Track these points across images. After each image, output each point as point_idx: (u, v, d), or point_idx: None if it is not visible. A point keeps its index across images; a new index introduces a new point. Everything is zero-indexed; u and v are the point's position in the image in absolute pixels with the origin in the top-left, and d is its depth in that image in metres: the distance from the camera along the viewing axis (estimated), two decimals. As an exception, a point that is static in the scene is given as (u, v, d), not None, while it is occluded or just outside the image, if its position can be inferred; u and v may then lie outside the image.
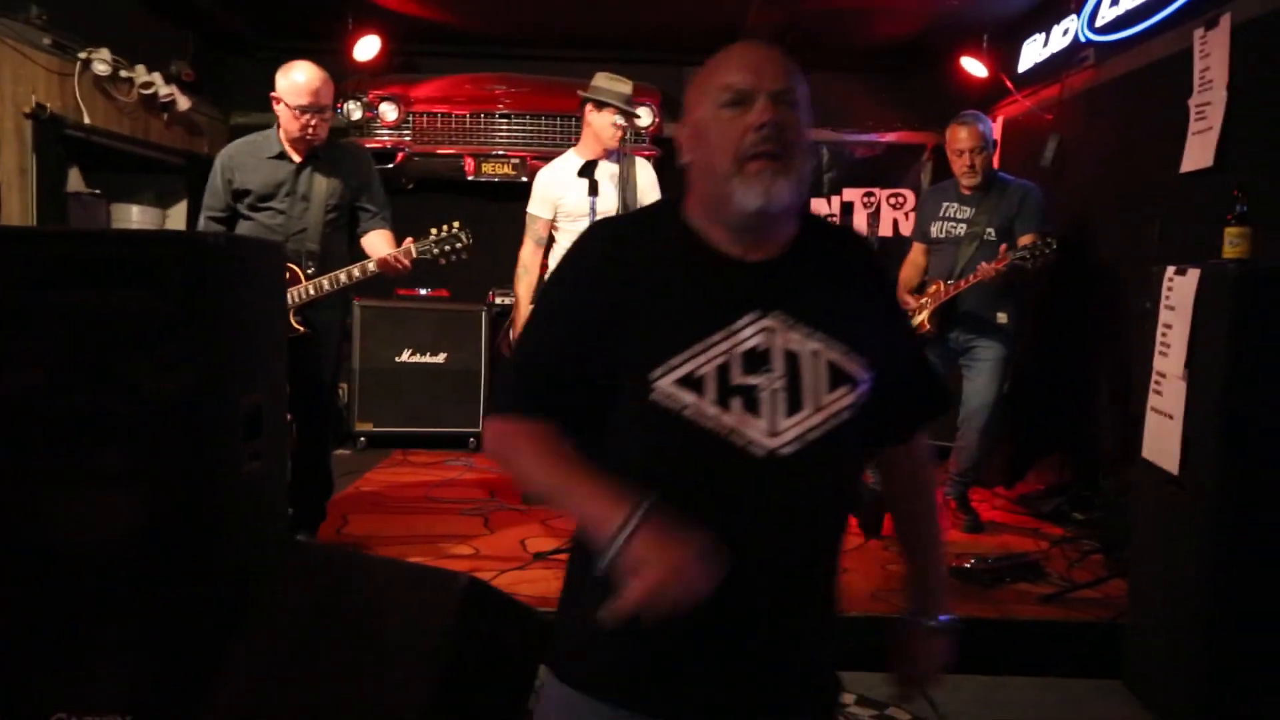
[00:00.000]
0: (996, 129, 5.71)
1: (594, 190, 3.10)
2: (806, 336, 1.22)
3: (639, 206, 3.70)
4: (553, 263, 4.10)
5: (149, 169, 5.66)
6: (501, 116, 6.06)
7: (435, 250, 3.44)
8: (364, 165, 3.57)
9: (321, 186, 3.39)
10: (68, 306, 2.35)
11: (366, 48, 5.77)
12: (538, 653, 2.47)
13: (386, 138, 6.01)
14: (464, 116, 6.05)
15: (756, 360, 1.19)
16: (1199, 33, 3.61)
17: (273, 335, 3.25)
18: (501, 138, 6.08)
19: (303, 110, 3.27)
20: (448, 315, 5.57)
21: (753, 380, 1.18)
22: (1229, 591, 2.44)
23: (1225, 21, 3.47)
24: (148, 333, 2.36)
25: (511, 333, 4.22)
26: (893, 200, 6.30)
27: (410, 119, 6.02)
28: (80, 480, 2.37)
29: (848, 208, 6.53)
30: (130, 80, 4.99)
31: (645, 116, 6.02)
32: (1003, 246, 3.89)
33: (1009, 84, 5.36)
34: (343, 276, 3.38)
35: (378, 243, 3.49)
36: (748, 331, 1.20)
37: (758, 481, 1.17)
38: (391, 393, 5.44)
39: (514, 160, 6.07)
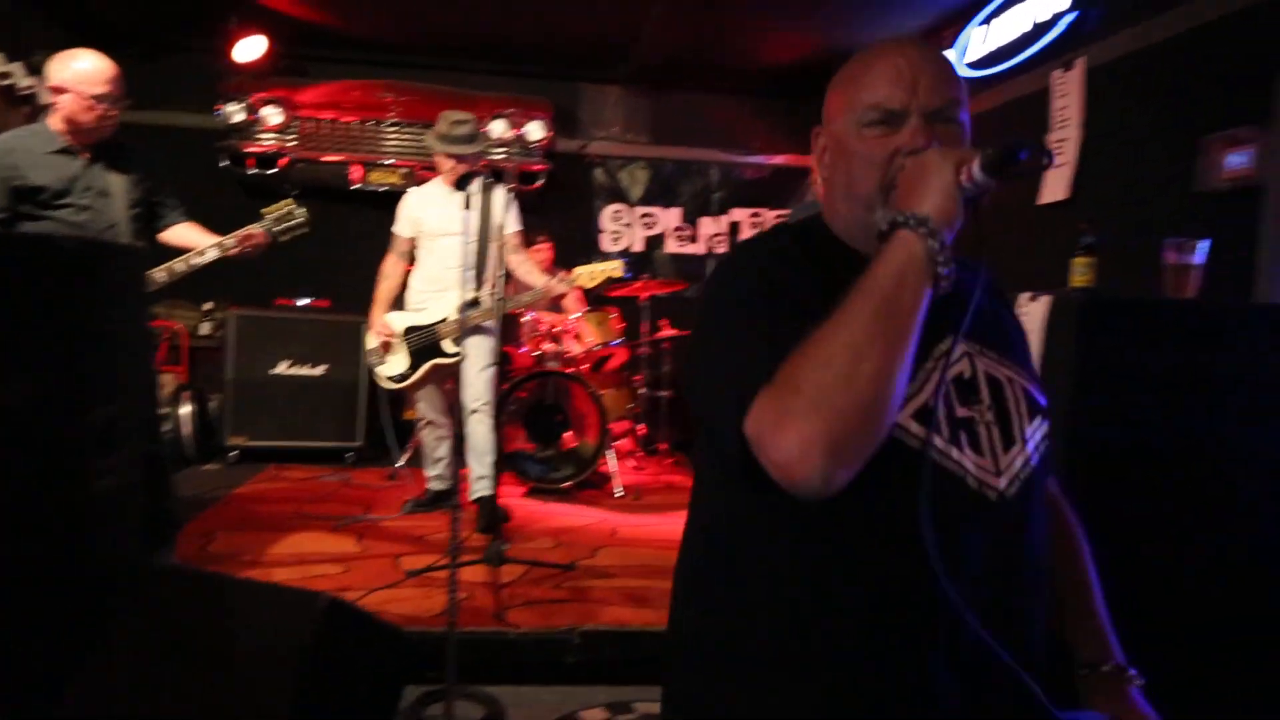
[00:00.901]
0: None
1: (467, 205, 3.16)
2: (997, 363, 1.10)
3: (492, 234, 3.87)
4: (415, 281, 4.24)
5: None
6: (391, 125, 5.96)
7: (275, 229, 3.37)
8: (149, 159, 3.40)
9: (119, 181, 3.20)
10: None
11: (250, 48, 5.60)
12: (402, 673, 2.42)
13: (270, 142, 5.84)
14: (352, 124, 5.93)
15: (966, 389, 1.06)
16: (1057, 74, 3.82)
17: (135, 343, 3.09)
18: (391, 146, 5.98)
19: (99, 99, 3.05)
20: (328, 326, 5.42)
21: (967, 412, 1.04)
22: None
23: (1080, 65, 3.68)
24: (-15, 338, 2.22)
25: (369, 323, 4.28)
26: (780, 221, 6.44)
27: (295, 124, 5.86)
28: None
29: (735, 228, 6.66)
30: (-14, 70, 4.70)
31: (536, 131, 6.02)
32: None
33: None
34: (196, 259, 3.25)
35: (191, 234, 3.37)
36: (953, 355, 1.04)
37: (986, 523, 1.01)
38: (266, 405, 5.25)
39: (403, 170, 5.98)
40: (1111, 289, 2.86)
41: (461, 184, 3.50)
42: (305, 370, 5.32)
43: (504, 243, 4.08)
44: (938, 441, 1.00)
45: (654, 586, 3.39)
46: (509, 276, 4.31)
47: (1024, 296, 2.84)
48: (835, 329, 0.91)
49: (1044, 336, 2.70)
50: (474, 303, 4.09)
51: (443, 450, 4.46)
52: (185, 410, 5.13)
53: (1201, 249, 2.56)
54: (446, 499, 4.50)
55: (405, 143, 5.95)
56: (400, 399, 4.48)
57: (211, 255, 3.28)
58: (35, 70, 5.07)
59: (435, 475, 4.46)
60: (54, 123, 3.12)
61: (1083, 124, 3.68)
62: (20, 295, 2.23)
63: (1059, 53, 3.87)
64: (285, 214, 3.39)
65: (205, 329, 5.63)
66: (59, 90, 3.07)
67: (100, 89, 3.07)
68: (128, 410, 2.93)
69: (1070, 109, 3.74)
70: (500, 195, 4.05)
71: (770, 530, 1.04)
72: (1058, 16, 3.86)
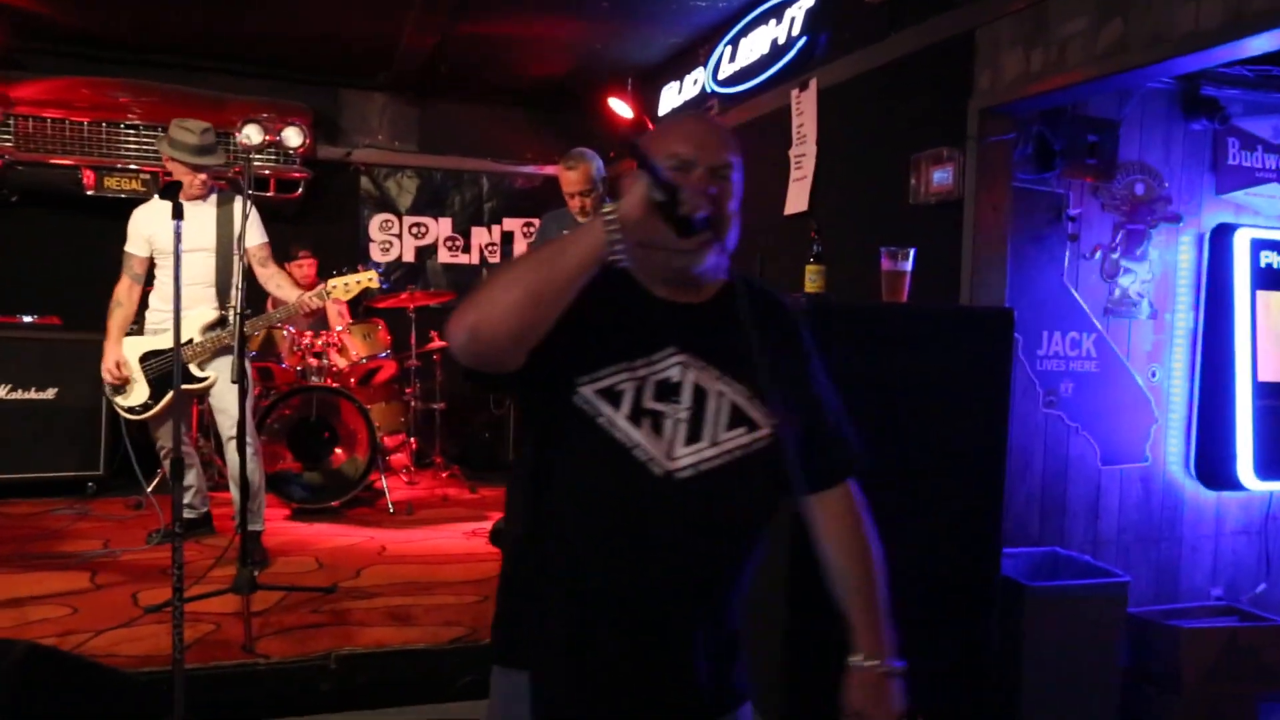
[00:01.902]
0: (635, 167, 6.09)
1: (178, 214, 2.91)
2: (716, 378, 1.34)
3: (239, 242, 3.59)
4: (155, 301, 3.96)
5: None
6: (129, 127, 5.53)
7: None
8: None
9: None
10: None
11: (-51, 38, 5.02)
12: (123, 716, 2.24)
13: (-21, 142, 5.26)
14: (82, 124, 5.45)
15: (668, 390, 1.32)
16: (795, 93, 4.09)
17: None
18: (131, 150, 5.54)
19: None
20: (60, 345, 4.95)
21: (660, 407, 1.31)
22: (802, 598, 2.71)
23: (813, 85, 3.95)
24: None
25: (103, 363, 3.90)
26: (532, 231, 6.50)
27: (11, 122, 5.32)
28: None
29: (508, 237, 6.66)
30: None
31: (294, 137, 5.77)
32: None
33: (651, 126, 5.73)
34: None
35: None
36: (665, 363, 1.32)
37: (654, 497, 1.29)
38: (-16, 435, 4.72)
39: (144, 176, 5.57)
40: (838, 295, 3.08)
41: (166, 193, 3.23)
42: (32, 394, 4.82)
43: (249, 256, 3.86)
44: (618, 419, 1.29)
45: (419, 603, 3.33)
46: (263, 292, 4.10)
47: (760, 302, 3.02)
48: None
49: (778, 340, 2.88)
50: (220, 322, 3.85)
51: (191, 477, 4.17)
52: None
53: (911, 256, 2.81)
54: (199, 528, 4.22)
55: (147, 147, 5.53)
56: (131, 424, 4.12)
57: None
58: None
59: (185, 504, 4.16)
60: None
61: (818, 140, 3.95)
62: None
63: (796, 74, 4.14)
64: None
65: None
66: None
67: None
68: None
69: (807, 126, 4.02)
70: (240, 204, 3.82)
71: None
72: (792, 40, 4.14)
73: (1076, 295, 3.33)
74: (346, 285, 3.88)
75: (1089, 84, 2.85)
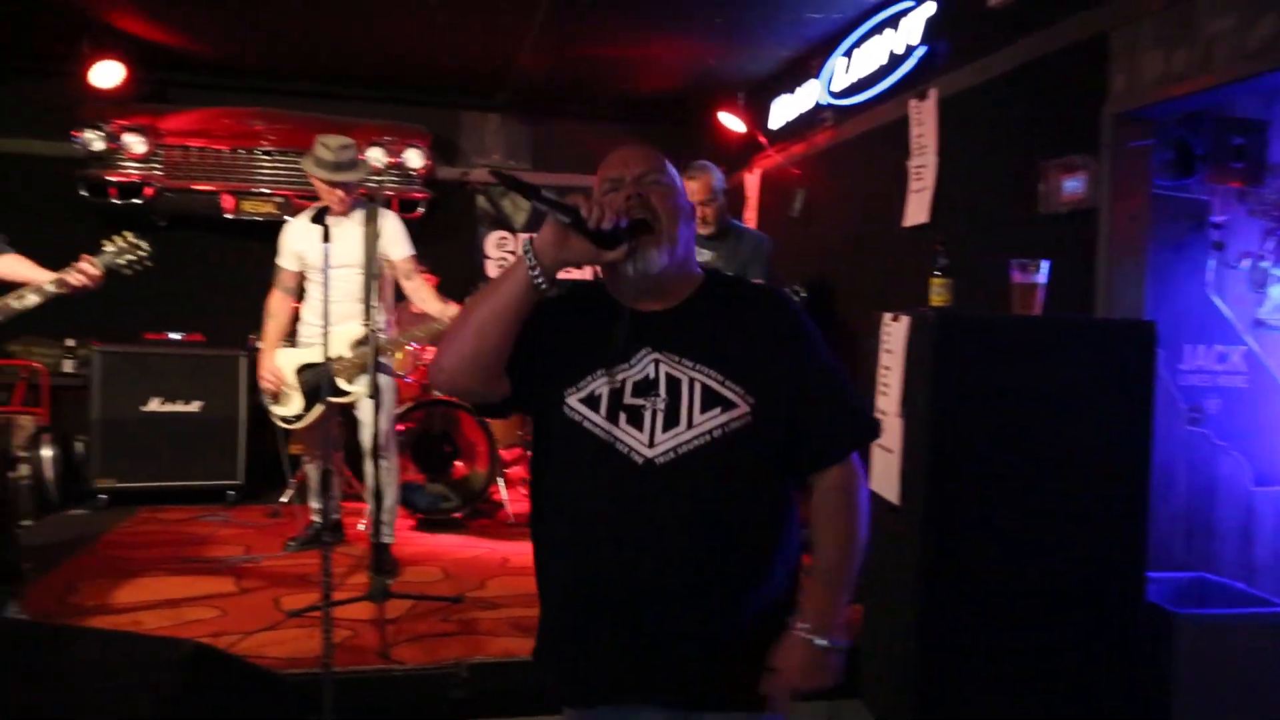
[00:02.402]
0: (755, 181, 6.08)
1: (326, 237, 3.04)
2: (689, 368, 1.45)
3: (380, 256, 3.76)
4: (306, 315, 4.06)
5: None
6: (264, 153, 5.82)
7: (119, 261, 3.23)
8: None
9: None
10: None
11: (106, 74, 5.39)
12: (277, 716, 2.35)
13: (133, 171, 5.63)
14: (223, 152, 5.77)
15: (646, 386, 1.44)
16: (913, 103, 4.02)
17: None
18: (265, 175, 5.84)
19: None
20: (202, 360, 5.24)
21: (639, 401, 1.43)
22: (937, 610, 2.67)
23: (933, 94, 3.88)
24: None
25: (258, 372, 4.05)
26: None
27: (160, 152, 5.67)
28: None
29: (621, 252, 6.74)
30: None
31: (415, 159, 5.98)
32: None
33: (763, 139, 5.72)
34: (14, 303, 3.09)
35: (18, 266, 3.21)
36: (641, 363, 1.45)
37: (638, 483, 1.39)
38: (137, 445, 5.03)
39: (278, 199, 5.85)
40: (966, 308, 3.02)
41: (318, 218, 3.35)
42: (179, 407, 5.12)
43: (395, 269, 3.97)
44: (597, 419, 1.43)
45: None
46: (405, 304, 4.20)
47: (886, 317, 2.98)
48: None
49: (905, 354, 2.84)
50: (367, 339, 3.92)
51: (326, 484, 4.34)
52: (47, 453, 4.87)
53: (1044, 269, 2.74)
54: (330, 534, 4.39)
55: (279, 171, 5.82)
56: (285, 432, 4.31)
57: (33, 300, 3.10)
58: None
59: (318, 509, 4.34)
60: None
61: (939, 150, 3.88)
62: None
63: (914, 83, 4.07)
64: (130, 245, 3.26)
65: (68, 367, 5.37)
66: None
67: None
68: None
69: (927, 136, 3.94)
70: (388, 221, 3.93)
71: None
72: (910, 49, 4.07)
73: (1222, 306, 3.18)
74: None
75: (1237, 84, 2.72)
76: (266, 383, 3.99)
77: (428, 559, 4.17)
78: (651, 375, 1.44)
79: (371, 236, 3.79)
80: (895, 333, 2.92)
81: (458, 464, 5.05)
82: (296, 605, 3.40)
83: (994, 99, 3.60)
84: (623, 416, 1.41)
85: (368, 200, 4.00)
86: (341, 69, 6.01)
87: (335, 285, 3.92)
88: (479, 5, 4.67)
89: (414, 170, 5.98)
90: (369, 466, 3.85)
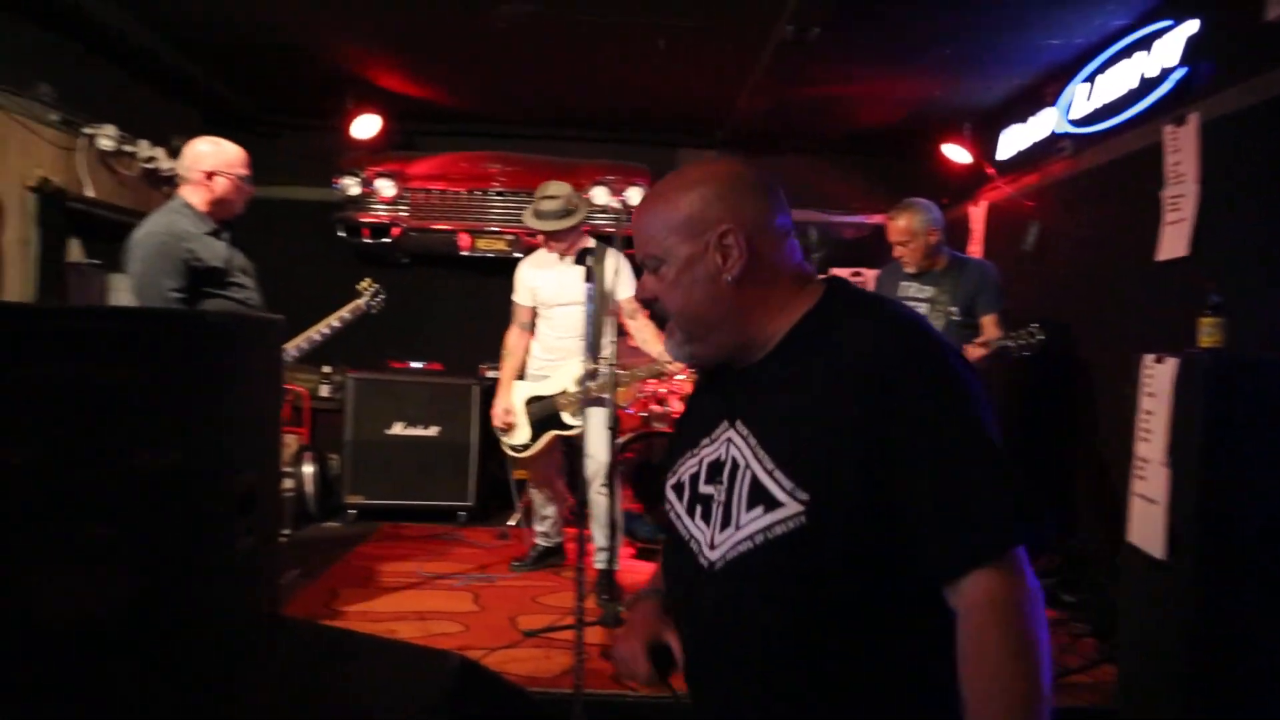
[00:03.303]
0: (980, 214, 5.87)
1: (589, 277, 3.22)
2: (753, 449, 1.17)
3: (608, 296, 3.99)
4: (536, 349, 4.29)
5: (148, 240, 5.74)
6: (496, 194, 6.19)
7: (371, 302, 3.97)
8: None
9: (244, 259, 3.37)
10: (61, 381, 2.39)
11: (365, 126, 5.92)
12: (529, 735, 2.46)
13: (383, 213, 6.13)
14: (460, 193, 6.18)
15: (716, 470, 1.21)
16: (1169, 129, 3.76)
17: (271, 412, 3.26)
18: (496, 214, 6.20)
19: (245, 180, 3.31)
20: (440, 388, 5.61)
21: (710, 490, 1.21)
22: (1215, 675, 2.46)
23: (1194, 120, 3.62)
24: (142, 408, 2.39)
25: (493, 407, 4.31)
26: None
27: (407, 195, 6.14)
28: (69, 555, 2.38)
29: (835, 286, 6.67)
30: (133, 155, 5.09)
31: (637, 197, 6.17)
32: (990, 330, 3.94)
33: (990, 170, 5.52)
34: (325, 329, 3.72)
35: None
36: (719, 440, 1.23)
37: (701, 588, 1.19)
38: (382, 465, 5.44)
39: (508, 236, 6.19)
40: (1241, 349, 2.78)
41: (580, 258, 3.55)
42: (419, 431, 5.50)
43: (620, 308, 4.13)
44: (680, 510, 1.26)
45: (768, 651, 3.38)
46: (623, 339, 4.37)
47: (1148, 359, 2.79)
48: None
49: (1172, 400, 2.64)
50: (593, 374, 4.09)
51: (550, 510, 4.52)
52: (308, 470, 5.36)
53: (1338, 307, 2.48)
54: (551, 556, 4.56)
55: (509, 211, 6.17)
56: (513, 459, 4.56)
57: (324, 333, 3.70)
58: (176, 154, 5.46)
59: (541, 532, 4.53)
60: (199, 204, 3.26)
61: (1199, 179, 3.60)
62: (173, 368, 2.41)
63: (1170, 108, 3.80)
64: (374, 290, 4.00)
65: (325, 391, 5.88)
66: (213, 174, 3.26)
67: (245, 170, 3.33)
68: (266, 475, 3.11)
69: (1185, 164, 3.67)
70: (612, 260, 4.10)
71: None
72: (1166, 72, 3.81)
73: None
74: None
75: None
76: (498, 419, 4.24)
77: (649, 588, 4.25)
78: (723, 458, 1.20)
79: (599, 275, 3.99)
80: (1160, 376, 2.73)
81: (674, 495, 5.13)
82: (531, 625, 3.55)
83: (1271, 121, 3.31)
84: (698, 509, 1.21)
85: (599, 240, 4.20)
86: (567, 114, 6.31)
87: (562, 322, 4.18)
88: (704, 51, 4.79)
89: (635, 208, 6.18)
90: (594, 495, 4.01)
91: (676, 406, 5.21)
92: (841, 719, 1.12)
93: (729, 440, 1.20)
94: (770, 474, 1.12)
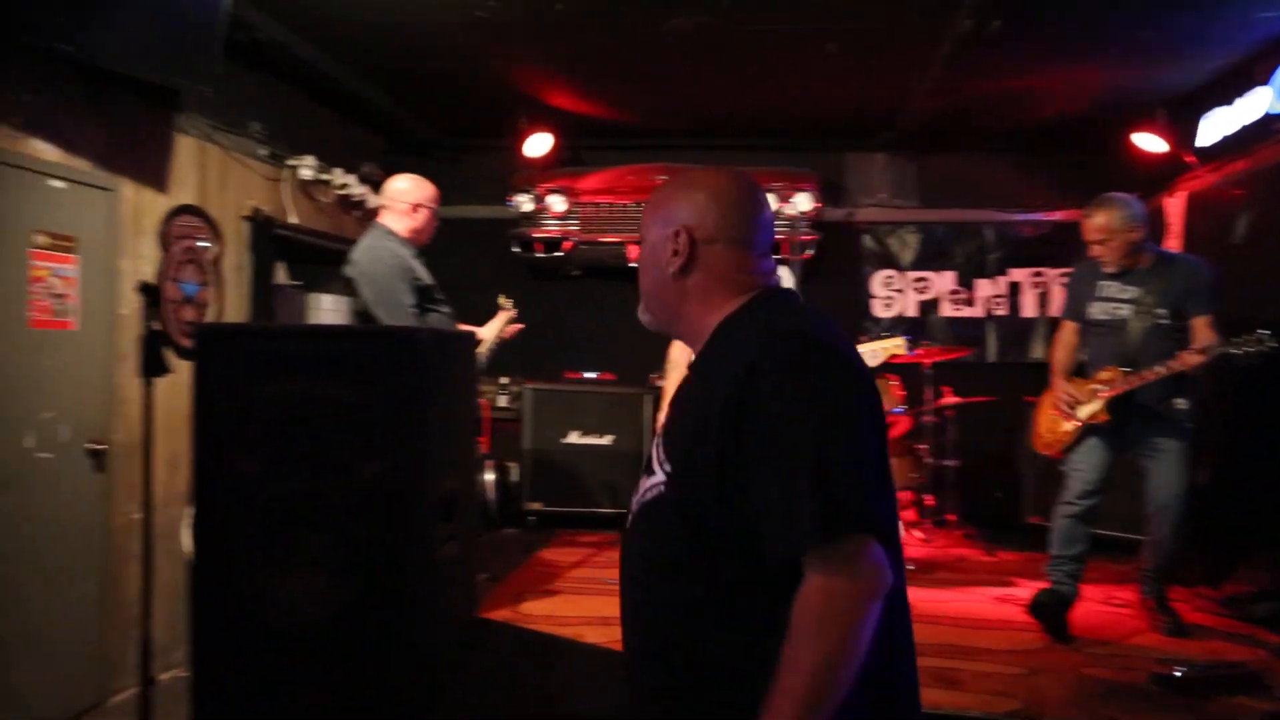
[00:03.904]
0: (1178, 206, 5.48)
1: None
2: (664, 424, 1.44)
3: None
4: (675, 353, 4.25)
5: (339, 262, 6.11)
6: (663, 205, 6.25)
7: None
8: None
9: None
10: (285, 396, 2.57)
11: (538, 144, 6.11)
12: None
13: (554, 228, 6.31)
14: (627, 205, 6.29)
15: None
16: None
17: (469, 422, 3.44)
18: (662, 225, 6.27)
19: (436, 215, 3.80)
20: (613, 398, 5.72)
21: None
22: None
23: None
24: (359, 421, 2.55)
25: (658, 418, 4.34)
26: (1065, 279, 6.08)
27: (576, 210, 6.30)
28: (292, 559, 2.56)
29: (1015, 288, 6.38)
30: (328, 183, 5.45)
31: (804, 203, 6.10)
32: (1205, 334, 3.63)
33: (1190, 159, 5.15)
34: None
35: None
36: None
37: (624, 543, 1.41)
38: (559, 473, 5.60)
39: (676, 246, 6.24)
40: None
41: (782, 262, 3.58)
42: (594, 439, 5.62)
43: None
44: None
45: (963, 668, 3.25)
46: None
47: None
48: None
49: None
50: None
51: None
52: (489, 477, 5.57)
53: None
54: None
55: (676, 221, 6.22)
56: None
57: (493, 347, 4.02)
58: (365, 181, 5.81)
59: None
60: (401, 231, 3.70)
61: None
62: (385, 383, 2.56)
63: None
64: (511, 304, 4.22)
65: (503, 401, 6.11)
66: (418, 206, 3.71)
67: (437, 205, 3.79)
68: (466, 482, 3.25)
69: None
70: (785, 274, 4.09)
71: None
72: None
73: None
74: (874, 351, 3.96)
75: None
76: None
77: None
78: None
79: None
80: None
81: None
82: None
83: None
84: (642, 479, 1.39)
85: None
86: (731, 122, 6.31)
87: None
88: (876, 52, 4.69)
89: (803, 213, 6.11)
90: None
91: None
92: (670, 661, 1.29)
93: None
94: (657, 447, 1.35)
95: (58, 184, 3.50)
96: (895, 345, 3.97)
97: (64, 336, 3.56)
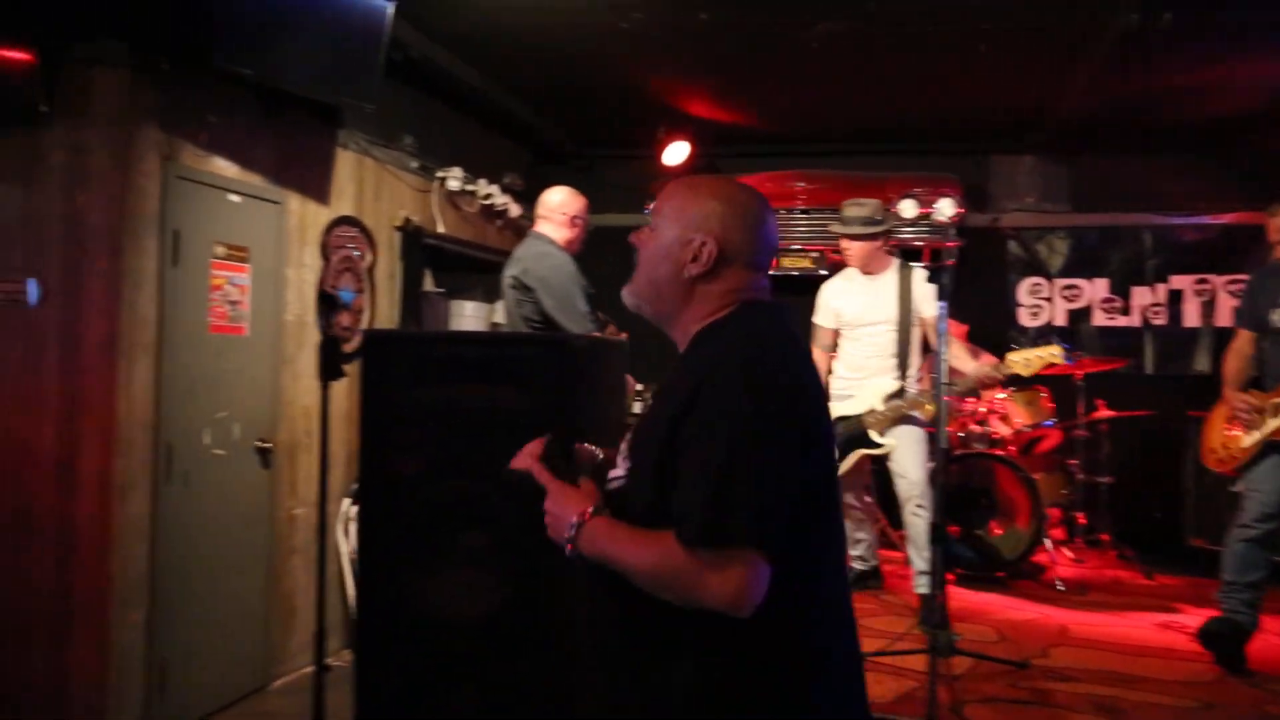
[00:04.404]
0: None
1: (940, 287, 3.21)
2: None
3: (916, 315, 3.95)
4: (839, 369, 4.26)
5: (481, 270, 6.31)
6: (801, 212, 6.19)
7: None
8: None
9: None
10: (446, 400, 2.67)
11: (676, 153, 6.14)
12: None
13: (690, 236, 6.32)
14: (764, 213, 6.25)
15: None
16: None
17: (618, 424, 3.47)
18: (800, 232, 6.21)
19: (587, 227, 3.94)
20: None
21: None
22: None
23: None
24: (516, 424, 2.61)
25: None
26: (1233, 287, 5.73)
27: (717, 218, 6.30)
28: (451, 557, 2.64)
29: (1176, 296, 6.03)
30: (473, 193, 5.63)
31: (946, 208, 5.93)
32: None
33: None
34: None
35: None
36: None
37: None
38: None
39: (812, 254, 6.17)
40: None
41: (934, 276, 3.53)
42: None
43: (926, 326, 4.02)
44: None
45: (1125, 697, 3.09)
46: (930, 356, 4.24)
47: None
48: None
49: None
50: (900, 393, 4.04)
51: (862, 532, 4.43)
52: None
53: None
54: (868, 580, 4.47)
55: (813, 228, 6.15)
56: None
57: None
58: (507, 190, 5.98)
59: (856, 556, 4.46)
60: (559, 240, 3.85)
61: None
62: (541, 387, 2.62)
63: None
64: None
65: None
66: (575, 218, 3.88)
67: (588, 218, 3.95)
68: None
69: None
70: (919, 277, 4.01)
71: None
72: None
73: None
74: (1027, 360, 3.81)
75: None
76: None
77: (976, 616, 4.04)
78: None
79: (906, 292, 3.92)
80: None
81: (995, 520, 4.86)
82: (864, 649, 3.48)
83: None
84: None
85: (900, 259, 4.15)
86: (870, 128, 6.19)
87: (868, 341, 4.12)
88: (1029, 52, 4.52)
89: (945, 220, 5.94)
90: (909, 517, 3.91)
91: (998, 427, 4.94)
92: (626, 632, 1.39)
93: None
94: (624, 442, 1.45)
95: (234, 198, 3.74)
96: (1051, 354, 3.80)
97: (237, 341, 3.79)
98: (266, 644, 3.97)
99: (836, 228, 4.21)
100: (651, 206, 1.52)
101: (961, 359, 4.02)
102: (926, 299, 4.03)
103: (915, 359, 4.14)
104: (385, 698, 2.64)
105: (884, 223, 4.16)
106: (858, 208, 4.15)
